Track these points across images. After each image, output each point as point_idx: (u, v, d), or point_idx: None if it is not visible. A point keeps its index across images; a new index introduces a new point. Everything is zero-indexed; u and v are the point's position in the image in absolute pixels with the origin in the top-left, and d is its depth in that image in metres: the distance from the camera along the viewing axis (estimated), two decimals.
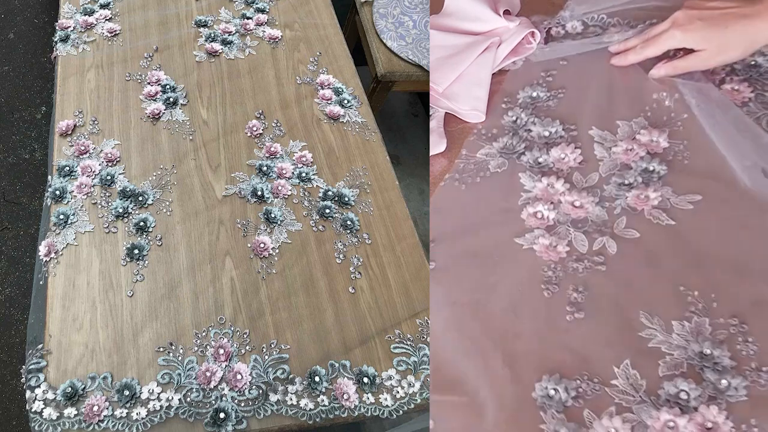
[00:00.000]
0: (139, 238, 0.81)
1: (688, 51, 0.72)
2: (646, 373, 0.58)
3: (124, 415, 0.67)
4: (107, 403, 0.67)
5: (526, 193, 0.72)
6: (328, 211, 0.89)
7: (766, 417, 0.53)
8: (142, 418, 0.67)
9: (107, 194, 0.85)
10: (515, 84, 0.82)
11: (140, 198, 0.85)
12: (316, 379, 0.72)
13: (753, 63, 0.76)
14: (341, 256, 0.85)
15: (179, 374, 0.70)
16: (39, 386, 0.67)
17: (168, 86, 1.01)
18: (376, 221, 0.90)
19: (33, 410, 0.66)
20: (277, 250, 0.84)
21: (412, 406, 0.73)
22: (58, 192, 0.84)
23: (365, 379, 0.73)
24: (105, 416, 0.66)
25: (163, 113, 0.97)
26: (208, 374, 0.70)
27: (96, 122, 0.94)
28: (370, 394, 0.73)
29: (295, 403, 0.71)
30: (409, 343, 0.78)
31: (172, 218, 0.84)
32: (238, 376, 0.71)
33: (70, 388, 0.67)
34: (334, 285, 0.82)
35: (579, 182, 0.71)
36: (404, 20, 1.37)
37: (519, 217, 0.70)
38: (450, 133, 0.79)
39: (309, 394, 0.72)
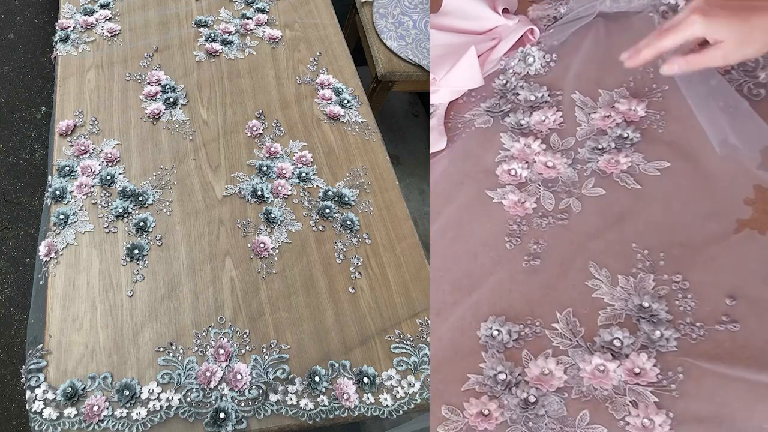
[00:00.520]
0: (139, 238, 0.81)
1: (702, 47, 0.68)
2: (585, 322, 0.61)
3: (124, 415, 0.67)
4: (107, 403, 0.67)
5: (504, 152, 0.75)
6: (328, 211, 0.89)
7: (690, 366, 0.57)
8: (142, 418, 0.67)
9: (107, 194, 0.85)
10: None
11: (140, 198, 0.85)
12: (316, 379, 0.72)
13: None
14: (341, 256, 0.85)
15: (179, 374, 0.70)
16: (39, 386, 0.67)
17: (168, 86, 1.01)
18: (376, 221, 0.90)
19: (33, 410, 0.66)
20: (277, 250, 0.84)
21: (412, 406, 0.73)
22: (58, 192, 0.84)
23: (365, 379, 0.73)
24: (105, 416, 0.66)
25: (163, 113, 0.97)
26: (208, 374, 0.70)
27: (96, 122, 0.94)
28: (370, 394, 0.73)
29: (295, 403, 0.71)
30: (409, 343, 0.78)
31: (172, 218, 0.84)
32: (238, 376, 0.71)
33: (70, 388, 0.67)
34: (334, 285, 0.82)
35: (555, 144, 0.75)
36: (404, 20, 1.37)
37: (494, 172, 0.74)
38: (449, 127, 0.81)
39: (309, 394, 0.72)
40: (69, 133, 0.92)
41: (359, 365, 0.75)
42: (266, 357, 0.74)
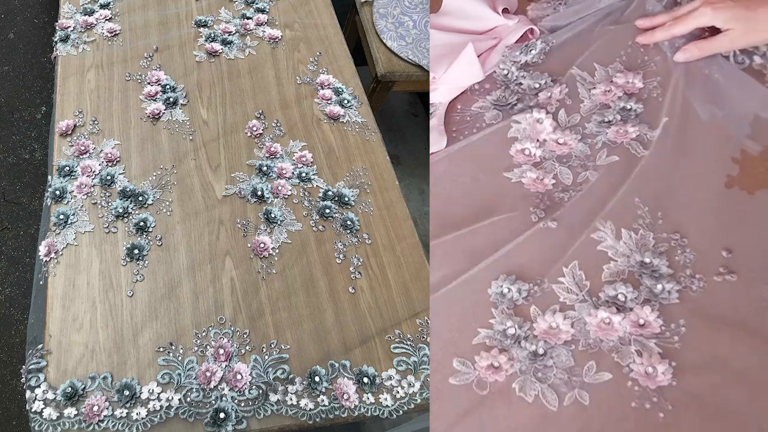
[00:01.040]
0: (139, 238, 0.81)
1: (713, 33, 0.73)
2: (590, 275, 0.64)
3: (124, 415, 0.67)
4: (107, 403, 0.67)
5: (516, 124, 0.77)
6: (328, 211, 0.89)
7: (693, 318, 0.60)
8: (142, 418, 0.67)
9: (107, 194, 0.85)
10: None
11: (140, 198, 0.85)
12: (316, 379, 0.72)
13: None
14: (341, 256, 0.85)
15: (179, 374, 0.70)
16: (39, 386, 0.67)
17: (168, 86, 1.01)
18: (376, 221, 0.90)
19: (33, 410, 0.66)
20: (277, 250, 0.84)
21: (412, 406, 0.73)
22: (58, 192, 0.84)
23: (365, 379, 0.73)
24: (105, 416, 0.66)
25: (163, 113, 0.97)
26: (208, 374, 0.70)
27: (96, 122, 0.94)
28: (370, 394, 0.73)
29: (295, 403, 0.71)
30: (409, 343, 0.78)
31: (172, 218, 0.84)
32: (238, 376, 0.71)
33: (70, 388, 0.67)
34: (334, 285, 0.82)
35: (563, 122, 0.77)
36: (404, 20, 1.37)
37: (508, 153, 0.75)
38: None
39: (309, 394, 0.72)
40: (69, 133, 0.92)
41: (359, 365, 0.75)
42: (266, 357, 0.74)
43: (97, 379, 0.69)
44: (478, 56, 0.80)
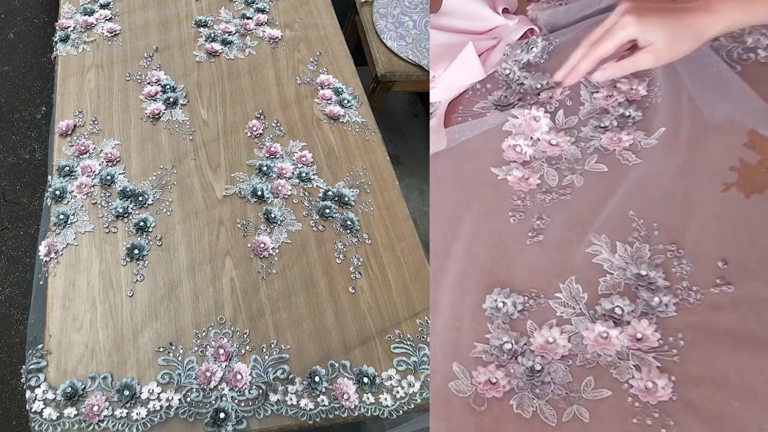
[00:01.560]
0: (139, 238, 0.81)
1: (631, 51, 0.68)
2: (587, 289, 0.63)
3: (124, 415, 0.67)
4: (107, 403, 0.67)
5: (513, 118, 0.77)
6: (328, 211, 0.89)
7: (691, 331, 0.59)
8: (142, 418, 0.67)
9: (107, 194, 0.85)
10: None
11: (140, 198, 0.85)
12: (316, 379, 0.72)
13: None
14: (341, 256, 0.85)
15: (179, 374, 0.70)
16: (39, 386, 0.67)
17: (168, 86, 1.01)
18: (376, 221, 0.90)
19: (33, 410, 0.66)
20: (277, 250, 0.84)
21: (412, 406, 0.73)
22: (58, 192, 0.84)
23: (365, 379, 0.73)
24: (105, 416, 0.66)
25: (163, 113, 0.97)
26: (208, 374, 0.70)
27: (96, 122, 0.94)
28: (370, 394, 0.73)
29: (295, 403, 0.71)
30: (409, 343, 0.78)
31: (172, 218, 0.84)
32: (238, 376, 0.71)
33: (70, 388, 0.67)
34: (334, 285, 0.82)
35: (560, 122, 0.76)
36: (404, 20, 1.37)
37: (498, 148, 0.75)
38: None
39: (309, 394, 0.72)
40: (69, 133, 0.92)
41: (359, 365, 0.75)
42: (266, 357, 0.74)
43: (97, 379, 0.69)
44: (479, 55, 0.80)
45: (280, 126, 0.99)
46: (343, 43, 1.18)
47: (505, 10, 0.85)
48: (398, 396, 0.74)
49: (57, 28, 1.08)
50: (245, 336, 0.75)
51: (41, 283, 0.76)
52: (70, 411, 0.66)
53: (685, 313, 0.60)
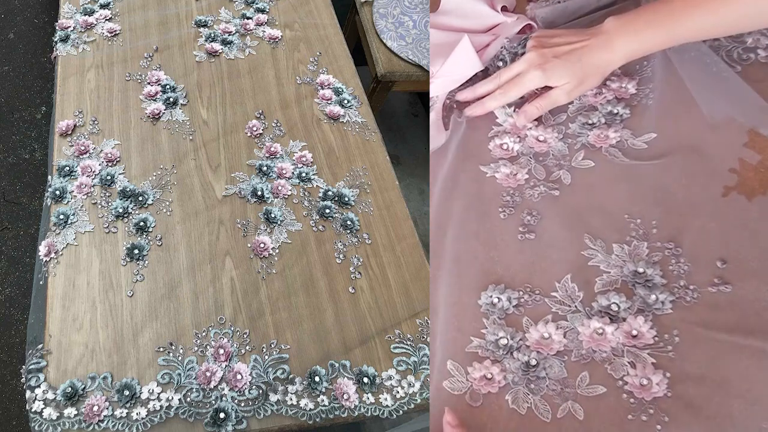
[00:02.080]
0: (139, 238, 0.81)
1: (545, 90, 0.74)
2: (583, 287, 0.64)
3: (124, 415, 0.67)
4: (107, 403, 0.67)
5: (497, 127, 0.77)
6: (328, 211, 0.89)
7: (686, 328, 0.59)
8: (142, 418, 0.67)
9: (107, 194, 0.85)
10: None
11: (140, 198, 0.85)
12: (316, 379, 0.72)
13: None
14: (341, 256, 0.85)
15: (179, 374, 0.70)
16: (39, 386, 0.67)
17: (168, 86, 1.01)
18: (376, 221, 0.90)
19: (33, 410, 0.66)
20: (277, 250, 0.84)
21: (412, 406, 0.73)
22: (58, 192, 0.84)
23: (365, 379, 0.73)
24: (105, 416, 0.66)
25: (163, 113, 0.97)
26: (208, 374, 0.70)
27: (96, 122, 0.94)
28: (370, 394, 0.73)
29: (295, 403, 0.71)
30: (409, 343, 0.78)
31: (172, 218, 0.84)
32: (238, 376, 0.71)
33: (70, 388, 0.67)
34: (334, 285, 0.82)
35: (547, 120, 0.77)
36: (404, 20, 1.37)
37: (486, 148, 0.76)
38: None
39: (309, 394, 0.72)
40: (69, 133, 0.92)
41: (359, 365, 0.75)
42: (266, 357, 0.74)
43: (97, 379, 0.69)
44: (478, 51, 0.80)
45: (280, 126, 0.99)
46: (343, 43, 1.18)
47: (504, 8, 0.85)
48: (398, 396, 0.74)
49: (57, 28, 1.08)
50: (245, 336, 0.75)
51: (41, 283, 0.76)
52: (70, 411, 0.66)
53: (681, 311, 0.60)
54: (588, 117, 0.75)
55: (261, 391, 0.71)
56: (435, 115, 0.80)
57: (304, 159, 0.95)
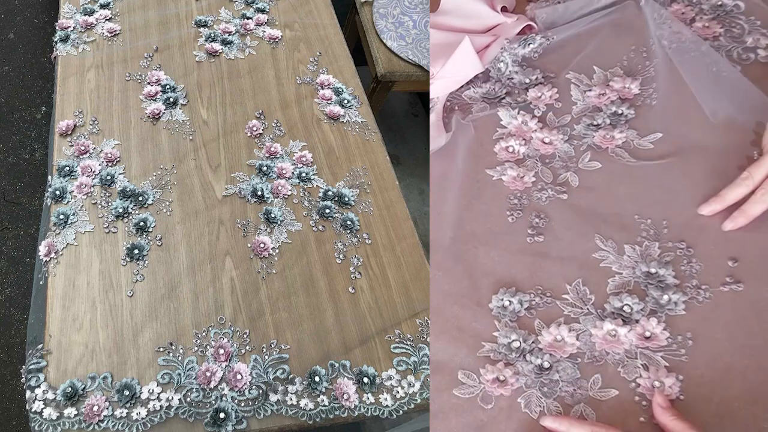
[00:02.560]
0: (139, 238, 0.81)
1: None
2: (595, 289, 0.63)
3: (124, 415, 0.67)
4: (107, 403, 0.67)
5: (502, 129, 0.77)
6: (328, 211, 0.89)
7: (699, 330, 0.59)
8: (142, 418, 0.67)
9: (107, 194, 0.85)
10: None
11: (140, 198, 0.85)
12: (316, 379, 0.72)
13: (719, 3, 0.81)
14: (341, 256, 0.85)
15: (179, 374, 0.70)
16: (39, 386, 0.67)
17: (168, 86, 1.01)
18: (376, 221, 0.90)
19: (33, 410, 0.66)
20: (277, 250, 0.84)
21: (412, 406, 0.73)
22: (58, 192, 0.84)
23: (365, 379, 0.73)
24: (105, 416, 0.66)
25: (163, 113, 0.97)
26: (208, 374, 0.70)
27: (96, 122, 0.94)
28: (370, 394, 0.73)
29: (295, 403, 0.71)
30: (409, 343, 0.78)
31: (172, 218, 0.84)
32: (238, 376, 0.71)
33: (70, 388, 0.67)
34: (334, 285, 0.82)
35: (551, 122, 0.77)
36: (404, 20, 1.37)
37: (492, 150, 0.76)
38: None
39: (309, 394, 0.72)
40: (69, 133, 0.92)
41: (359, 365, 0.75)
42: (266, 357, 0.74)
43: (97, 379, 0.69)
44: (478, 52, 0.80)
45: (280, 126, 0.99)
46: (343, 43, 1.18)
47: (504, 9, 0.85)
48: (398, 396, 0.74)
49: (57, 28, 1.08)
50: (245, 336, 0.75)
51: (41, 283, 0.76)
52: (70, 411, 0.66)
53: (694, 312, 0.60)
54: (593, 118, 0.75)
55: (261, 391, 0.71)
56: (435, 116, 0.80)
57: (304, 159, 0.95)
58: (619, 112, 0.75)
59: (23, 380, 0.68)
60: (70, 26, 1.08)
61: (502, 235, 0.69)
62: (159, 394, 0.69)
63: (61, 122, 0.92)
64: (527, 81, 0.80)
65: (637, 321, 0.60)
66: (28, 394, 0.67)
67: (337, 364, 0.74)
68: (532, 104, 0.78)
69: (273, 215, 0.87)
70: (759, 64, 0.75)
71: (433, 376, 0.62)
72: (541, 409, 0.58)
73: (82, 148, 0.89)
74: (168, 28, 1.12)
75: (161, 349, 0.72)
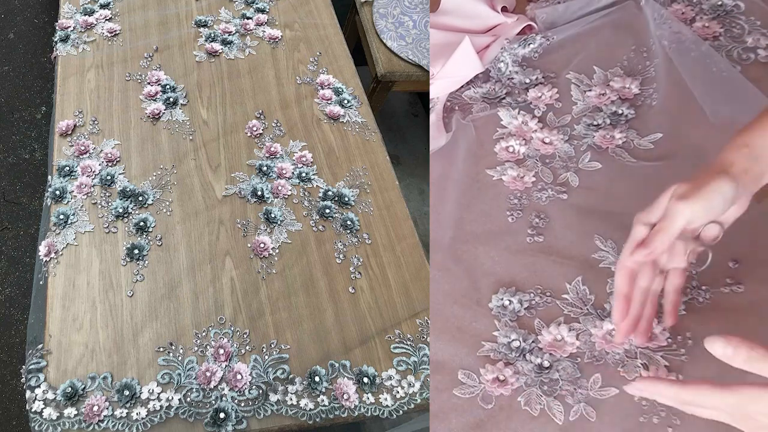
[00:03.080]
0: (139, 238, 0.81)
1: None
2: (594, 289, 0.64)
3: (124, 415, 0.67)
4: (107, 403, 0.67)
5: (502, 129, 0.77)
6: (328, 211, 0.89)
7: (699, 330, 0.59)
8: (142, 418, 0.67)
9: (107, 194, 0.85)
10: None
11: (140, 198, 0.85)
12: (316, 379, 0.72)
13: (719, 3, 0.82)
14: (341, 256, 0.85)
15: (179, 374, 0.70)
16: (39, 386, 0.67)
17: (168, 86, 1.01)
18: (376, 221, 0.90)
19: (33, 410, 0.66)
20: (277, 250, 0.84)
21: (412, 406, 0.73)
22: (58, 192, 0.84)
23: (365, 379, 0.73)
24: (105, 416, 0.66)
25: (163, 113, 0.97)
26: (208, 374, 0.70)
27: (96, 122, 0.94)
28: (370, 394, 0.73)
29: (295, 403, 0.71)
30: (409, 343, 0.78)
31: (172, 218, 0.84)
32: (238, 376, 0.71)
33: (70, 388, 0.67)
34: (334, 285, 0.82)
35: (552, 122, 0.77)
36: (404, 20, 1.37)
37: (492, 150, 0.76)
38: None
39: (309, 394, 0.72)
40: (69, 133, 0.92)
41: (359, 365, 0.75)
42: (266, 357, 0.74)
43: (97, 379, 0.69)
44: (478, 52, 0.81)
45: (280, 126, 0.99)
46: (343, 43, 1.18)
47: (504, 9, 0.85)
48: (398, 396, 0.74)
49: (57, 28, 1.08)
50: (245, 336, 0.75)
51: (41, 283, 0.76)
52: (70, 411, 0.66)
53: (694, 313, 0.60)
54: (593, 118, 0.75)
55: (261, 391, 0.71)
56: (435, 116, 0.80)
57: (304, 159, 0.95)
58: (619, 112, 0.75)
59: (23, 380, 0.68)
60: (70, 26, 1.08)
61: (502, 235, 0.69)
62: (159, 394, 0.69)
63: (61, 122, 0.92)
64: (527, 81, 0.80)
65: None
66: (28, 394, 0.67)
67: (337, 364, 0.74)
68: (532, 104, 0.78)
69: (273, 215, 0.87)
70: (759, 64, 0.75)
71: (433, 376, 0.62)
72: (542, 406, 0.58)
73: (82, 148, 0.89)
74: (168, 28, 1.12)
75: (161, 349, 0.72)
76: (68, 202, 0.83)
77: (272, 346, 0.75)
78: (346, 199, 0.91)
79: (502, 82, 0.81)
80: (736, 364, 0.45)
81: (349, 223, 0.88)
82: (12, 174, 1.62)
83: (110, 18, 1.11)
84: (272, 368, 0.73)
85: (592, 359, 0.60)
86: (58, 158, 0.88)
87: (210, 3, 1.19)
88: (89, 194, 0.85)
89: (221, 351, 0.72)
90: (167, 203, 0.86)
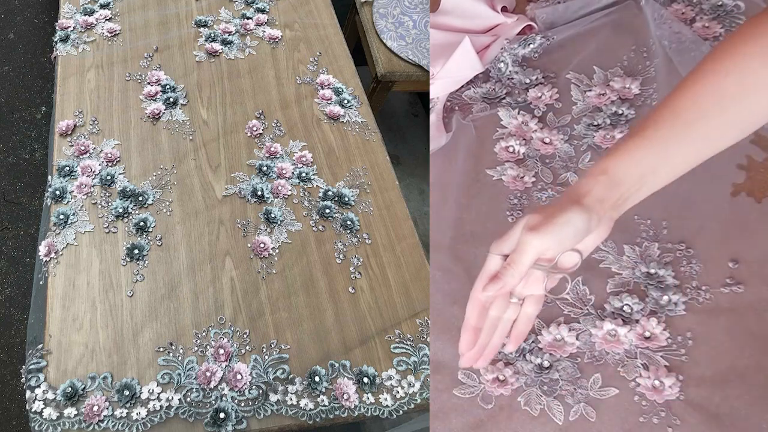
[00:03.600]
0: (139, 238, 0.81)
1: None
2: (594, 290, 0.64)
3: (124, 415, 0.67)
4: (107, 403, 0.67)
5: (502, 129, 0.77)
6: (328, 211, 0.89)
7: (699, 330, 0.60)
8: (142, 418, 0.67)
9: (107, 194, 0.85)
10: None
11: (140, 198, 0.85)
12: (316, 379, 0.72)
13: (719, 3, 0.82)
14: (341, 256, 0.85)
15: (179, 374, 0.70)
16: (39, 386, 0.67)
17: (168, 86, 1.01)
18: (376, 221, 0.90)
19: (33, 410, 0.66)
20: (277, 250, 0.84)
21: (412, 406, 0.73)
22: (58, 192, 0.84)
23: (365, 379, 0.73)
24: (105, 416, 0.66)
25: (163, 113, 0.97)
26: (208, 374, 0.70)
27: (96, 122, 0.94)
28: (370, 394, 0.73)
29: (295, 403, 0.71)
30: (409, 343, 0.78)
31: (172, 218, 0.84)
32: (238, 376, 0.71)
33: (70, 388, 0.67)
34: (334, 285, 0.82)
35: (552, 122, 0.77)
36: (404, 20, 1.37)
37: (492, 150, 0.76)
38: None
39: (309, 394, 0.72)
40: (69, 133, 0.92)
41: (359, 365, 0.75)
42: (266, 357, 0.74)
43: (97, 379, 0.69)
44: (478, 52, 0.81)
45: (280, 126, 0.99)
46: (343, 43, 1.18)
47: (504, 9, 0.85)
48: (398, 396, 0.74)
49: (57, 28, 1.08)
50: (245, 336, 0.75)
51: (41, 283, 0.76)
52: (70, 411, 0.66)
53: (694, 312, 0.60)
54: (593, 118, 0.75)
55: (261, 391, 0.71)
56: (435, 116, 0.80)
57: (304, 159, 0.95)
58: (620, 112, 0.75)
59: (23, 380, 0.68)
60: (70, 26, 1.08)
61: (500, 234, 0.69)
62: (159, 394, 0.69)
63: (61, 122, 0.92)
64: (527, 81, 0.80)
65: (637, 321, 0.61)
66: (28, 394, 0.67)
67: (337, 364, 0.74)
68: (532, 104, 0.78)
69: (273, 215, 0.87)
70: None
71: (433, 376, 0.62)
72: (541, 406, 0.58)
73: (82, 148, 0.89)
74: (168, 28, 1.12)
75: (161, 349, 0.72)
76: (68, 202, 0.83)
77: (272, 346, 0.75)
78: (346, 199, 0.91)
79: (502, 82, 0.81)
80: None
81: (349, 223, 0.88)
82: (12, 174, 1.62)
83: (110, 18, 1.11)
84: (272, 368, 0.73)
85: (592, 359, 0.60)
86: (58, 158, 0.88)
87: (210, 3, 1.19)
88: (89, 194, 0.85)
89: (221, 351, 0.72)
90: (167, 203, 0.86)
